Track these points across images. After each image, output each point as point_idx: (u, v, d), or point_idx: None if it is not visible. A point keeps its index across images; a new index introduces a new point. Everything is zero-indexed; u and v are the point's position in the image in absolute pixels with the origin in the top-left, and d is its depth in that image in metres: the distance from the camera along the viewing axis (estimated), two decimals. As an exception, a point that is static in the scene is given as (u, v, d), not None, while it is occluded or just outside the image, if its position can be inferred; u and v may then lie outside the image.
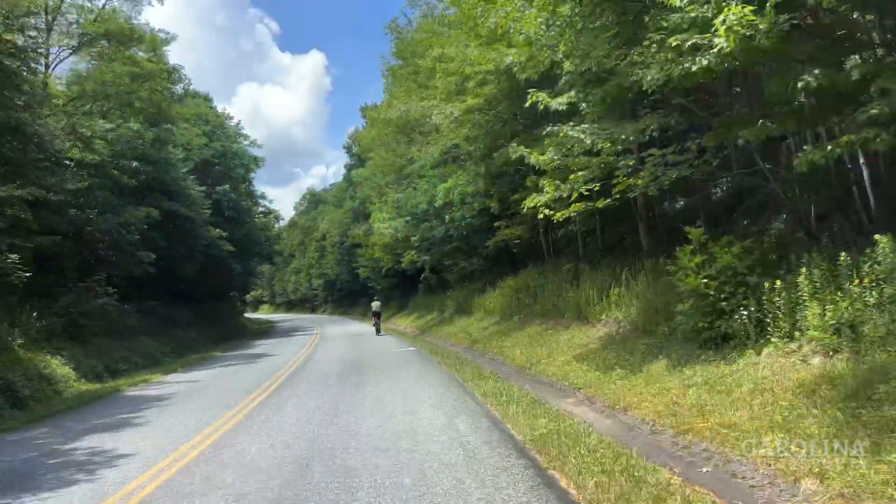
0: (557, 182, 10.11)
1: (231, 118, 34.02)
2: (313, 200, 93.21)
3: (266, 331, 41.90)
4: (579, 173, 10.41)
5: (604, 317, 12.06)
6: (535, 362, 11.34)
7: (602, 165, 10.43)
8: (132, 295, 22.24)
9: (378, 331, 25.94)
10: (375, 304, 27.50)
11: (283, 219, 56.32)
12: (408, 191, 24.92)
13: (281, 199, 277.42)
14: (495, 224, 20.65)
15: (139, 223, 19.30)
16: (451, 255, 26.89)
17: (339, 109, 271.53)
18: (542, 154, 10.32)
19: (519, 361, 12.12)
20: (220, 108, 34.75)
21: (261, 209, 41.96)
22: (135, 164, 20.67)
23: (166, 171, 22.53)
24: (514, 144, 10.36)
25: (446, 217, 21.20)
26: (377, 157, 27.41)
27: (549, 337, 13.13)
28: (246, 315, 66.85)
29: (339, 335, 28.00)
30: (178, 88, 32.94)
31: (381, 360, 14.88)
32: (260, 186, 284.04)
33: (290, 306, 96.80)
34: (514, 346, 13.80)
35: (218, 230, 24.89)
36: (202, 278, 29.84)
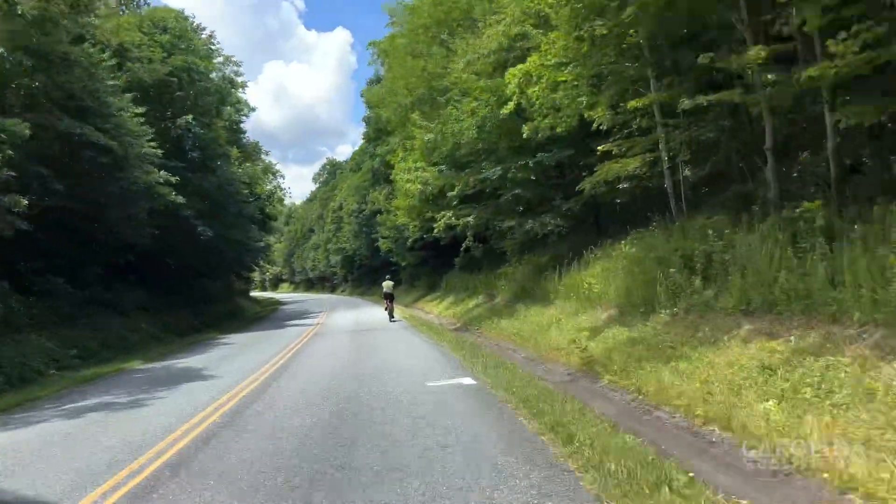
0: None
1: (203, 29, 25.25)
2: (332, 171, 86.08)
3: (264, 316, 34.18)
4: None
5: None
6: None
7: None
8: (16, 269, 14.42)
9: (391, 316, 21.47)
10: (387, 285, 22.35)
11: (282, 176, 48.44)
12: (448, 110, 16.25)
13: (306, 177, 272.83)
14: (596, 149, 12.06)
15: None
16: (507, 213, 18.38)
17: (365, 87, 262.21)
18: None
19: (843, 485, 3.60)
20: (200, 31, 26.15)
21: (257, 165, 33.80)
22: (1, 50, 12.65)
23: (71, 76, 14.40)
24: None
25: (523, 131, 12.38)
26: (400, 67, 18.80)
27: (833, 377, 4.63)
28: (253, 294, 59.95)
29: (345, 328, 19.93)
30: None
31: (403, 455, 6.09)
32: (286, 165, 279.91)
33: (310, 285, 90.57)
34: (767, 405, 5.27)
35: (164, 173, 16.59)
36: (166, 247, 21.98)
